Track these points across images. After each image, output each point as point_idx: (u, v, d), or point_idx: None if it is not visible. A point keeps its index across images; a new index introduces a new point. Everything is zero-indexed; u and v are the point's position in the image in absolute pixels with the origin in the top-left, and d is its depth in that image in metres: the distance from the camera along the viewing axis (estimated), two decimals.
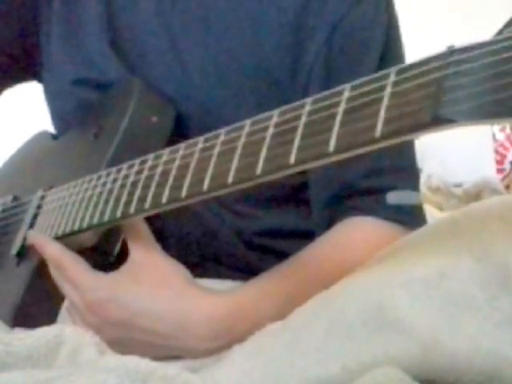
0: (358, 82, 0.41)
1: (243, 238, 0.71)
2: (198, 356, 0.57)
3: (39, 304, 0.65)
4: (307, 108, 0.43)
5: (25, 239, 0.70)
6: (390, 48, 0.69)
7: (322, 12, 0.67)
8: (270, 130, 0.45)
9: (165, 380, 0.47)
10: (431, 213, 1.52)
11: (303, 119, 0.43)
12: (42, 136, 0.88)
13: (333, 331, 0.48)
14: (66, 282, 0.60)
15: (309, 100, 0.43)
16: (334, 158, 0.41)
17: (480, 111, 0.33)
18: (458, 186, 1.89)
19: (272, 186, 0.71)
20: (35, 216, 0.72)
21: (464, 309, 0.42)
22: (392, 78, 0.38)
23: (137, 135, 0.66)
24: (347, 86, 0.41)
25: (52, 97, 0.81)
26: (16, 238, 0.72)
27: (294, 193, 0.72)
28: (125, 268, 0.59)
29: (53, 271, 0.62)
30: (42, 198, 0.73)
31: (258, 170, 0.44)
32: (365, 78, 0.40)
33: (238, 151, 0.47)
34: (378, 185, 0.67)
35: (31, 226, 0.71)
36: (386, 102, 0.38)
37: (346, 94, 0.41)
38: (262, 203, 0.71)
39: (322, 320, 0.50)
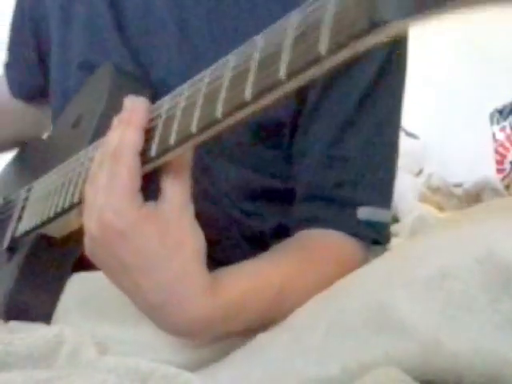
0: (303, 5, 0.40)
1: (250, 237, 0.71)
2: (169, 333, 0.55)
3: (31, 294, 0.64)
4: (260, 44, 0.43)
5: (14, 232, 0.70)
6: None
7: None
8: (228, 74, 0.45)
9: (165, 380, 0.47)
10: (431, 213, 1.52)
11: (256, 56, 0.43)
12: (34, 140, 0.88)
13: (333, 331, 0.48)
14: (100, 179, 0.52)
15: (260, 36, 0.43)
16: (288, 87, 0.40)
17: (408, 5, 0.32)
18: (458, 186, 1.89)
19: (276, 182, 0.71)
20: (23, 208, 0.71)
21: (465, 310, 0.42)
22: None
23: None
24: (294, 12, 0.41)
25: (60, 80, 0.81)
26: (6, 233, 0.72)
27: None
28: (157, 212, 0.51)
29: (100, 156, 0.54)
30: (29, 190, 0.73)
31: (218, 114, 0.44)
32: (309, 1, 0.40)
33: (200, 102, 0.47)
34: (350, 197, 0.67)
35: (20, 218, 0.71)
36: (328, 18, 0.37)
37: (294, 20, 0.40)
38: (269, 201, 0.71)
39: (323, 320, 0.50)
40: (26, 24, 0.88)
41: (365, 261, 0.66)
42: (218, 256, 0.56)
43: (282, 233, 0.69)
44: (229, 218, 0.71)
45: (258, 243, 0.70)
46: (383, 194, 0.69)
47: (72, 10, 0.78)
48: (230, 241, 0.71)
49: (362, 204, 0.66)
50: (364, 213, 0.66)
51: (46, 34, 0.83)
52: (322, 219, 0.66)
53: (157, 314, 0.53)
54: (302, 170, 0.69)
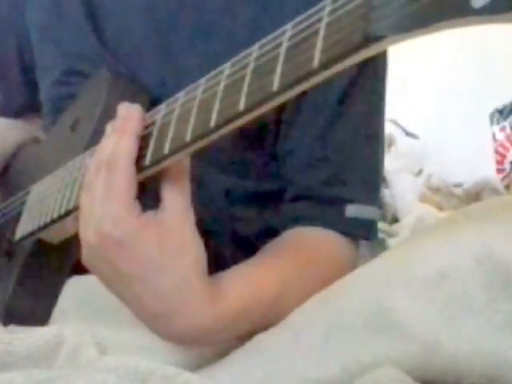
0: (298, 18, 0.40)
1: (240, 242, 0.71)
2: (169, 342, 0.55)
3: (29, 301, 0.64)
4: (254, 54, 0.43)
5: (12, 236, 0.70)
6: None
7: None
8: (222, 83, 0.45)
9: (165, 380, 0.47)
10: (431, 213, 1.52)
11: (251, 66, 0.43)
12: (27, 145, 0.88)
13: (333, 331, 0.48)
14: (96, 188, 0.51)
15: (256, 46, 0.44)
16: (281, 99, 0.41)
17: (403, 23, 0.33)
18: (458, 185, 1.89)
19: (264, 183, 0.71)
20: (20, 213, 0.71)
21: (465, 310, 0.42)
22: (328, 7, 0.38)
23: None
24: (289, 25, 0.41)
25: (46, 88, 0.80)
26: (4, 237, 0.71)
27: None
28: (157, 221, 0.50)
29: (95, 164, 0.52)
30: (27, 194, 0.72)
31: (212, 124, 0.44)
32: (305, 13, 0.40)
33: (194, 110, 0.47)
34: (337, 195, 0.67)
35: (17, 222, 0.70)
36: (322, 32, 0.37)
37: (288, 34, 0.41)
38: (258, 204, 0.71)
39: (323, 320, 0.50)
40: (7, 37, 0.86)
41: (354, 258, 0.67)
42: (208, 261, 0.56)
43: (271, 235, 0.69)
44: (218, 224, 0.70)
45: (246, 246, 0.69)
46: (370, 191, 0.69)
47: (49, 22, 0.77)
48: (219, 246, 0.70)
49: (349, 202, 0.66)
50: (352, 211, 0.66)
51: (29, 47, 0.82)
52: (311, 218, 0.67)
53: (156, 323, 0.52)
54: (288, 171, 0.69)
